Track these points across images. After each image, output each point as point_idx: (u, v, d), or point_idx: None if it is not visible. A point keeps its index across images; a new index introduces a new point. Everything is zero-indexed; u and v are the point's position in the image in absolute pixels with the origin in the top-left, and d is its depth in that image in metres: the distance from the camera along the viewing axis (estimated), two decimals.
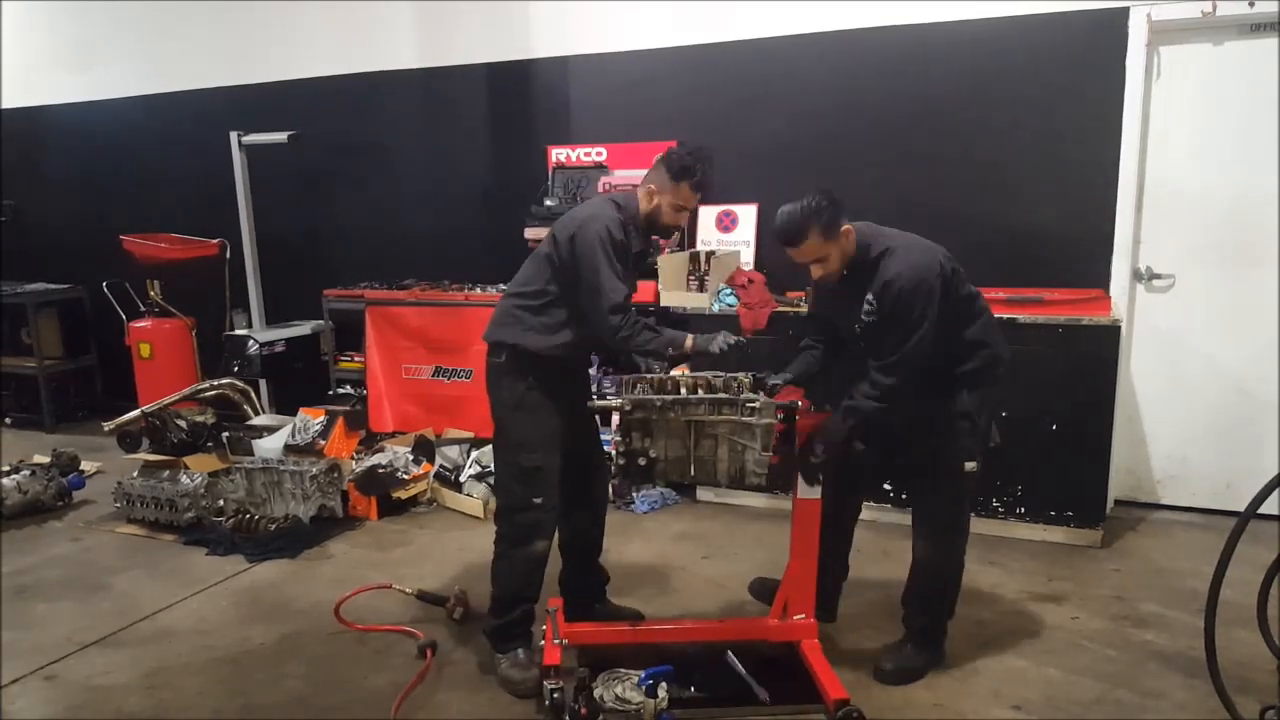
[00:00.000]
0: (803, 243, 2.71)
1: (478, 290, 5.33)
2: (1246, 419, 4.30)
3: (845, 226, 2.75)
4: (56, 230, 6.93)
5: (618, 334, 2.80)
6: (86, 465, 5.28)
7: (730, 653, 2.97)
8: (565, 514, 3.17)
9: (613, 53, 5.16)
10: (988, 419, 2.93)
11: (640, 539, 4.23)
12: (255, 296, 5.98)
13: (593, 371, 5.10)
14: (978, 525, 4.15)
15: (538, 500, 2.96)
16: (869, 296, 2.75)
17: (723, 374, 2.90)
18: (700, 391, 2.83)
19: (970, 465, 2.85)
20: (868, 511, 4.33)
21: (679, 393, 2.81)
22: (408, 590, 3.56)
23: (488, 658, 3.07)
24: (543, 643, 2.97)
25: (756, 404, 2.72)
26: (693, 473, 2.81)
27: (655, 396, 2.76)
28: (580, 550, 3.30)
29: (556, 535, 3.17)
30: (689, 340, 2.86)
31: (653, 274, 4.79)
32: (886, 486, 4.32)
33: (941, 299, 2.73)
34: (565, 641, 2.90)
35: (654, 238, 3.23)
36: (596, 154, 5.17)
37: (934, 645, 3.04)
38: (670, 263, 4.64)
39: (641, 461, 2.77)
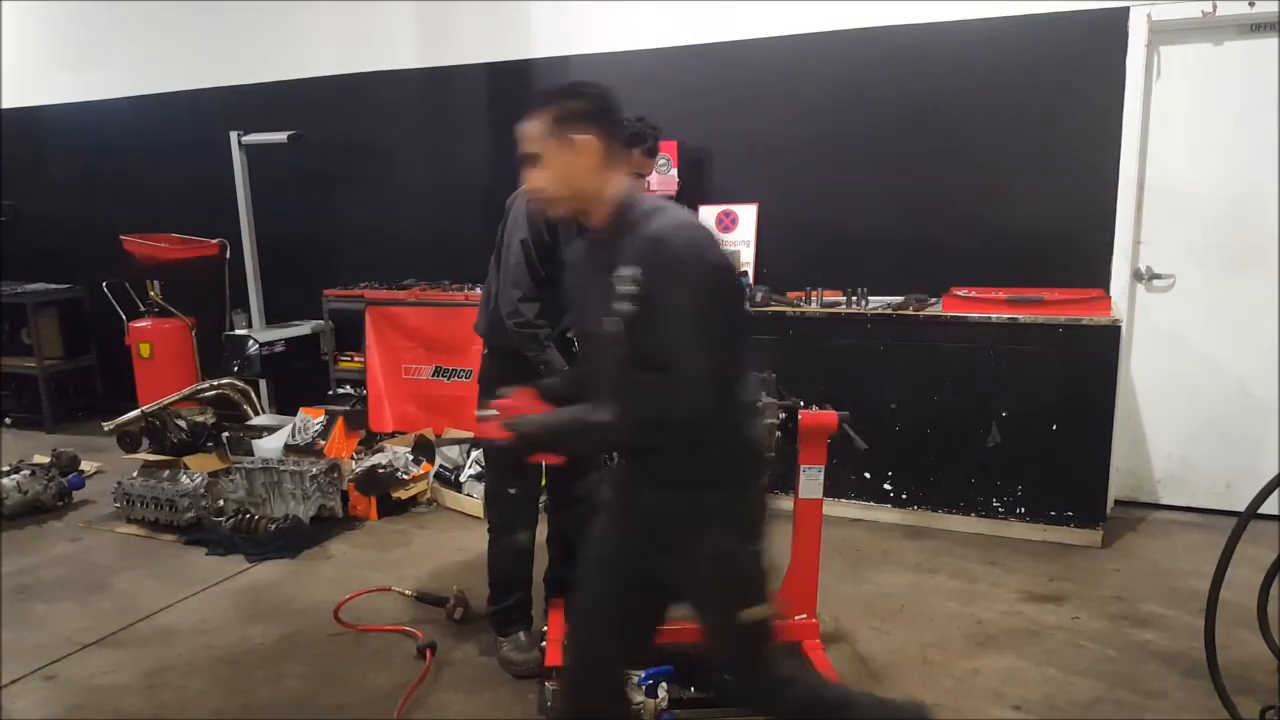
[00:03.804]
0: (531, 119, 1.88)
1: (477, 290, 5.31)
2: (1247, 419, 4.30)
3: (586, 137, 1.83)
4: (56, 230, 6.92)
5: (511, 318, 2.83)
6: (86, 465, 5.28)
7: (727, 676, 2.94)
8: (554, 508, 3.20)
9: (613, 53, 5.16)
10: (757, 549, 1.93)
11: None
12: (255, 296, 5.98)
13: None
14: (979, 525, 4.17)
15: (512, 491, 3.02)
16: (625, 271, 1.74)
17: None
18: None
19: (752, 612, 1.89)
20: (866, 511, 4.37)
21: None
22: (407, 592, 3.56)
23: (488, 654, 3.09)
24: (545, 627, 3.00)
25: (759, 405, 2.71)
26: None
27: None
28: (565, 545, 3.28)
29: (547, 528, 3.23)
30: (558, 369, 2.80)
31: None
32: (887, 487, 4.32)
33: (724, 301, 1.82)
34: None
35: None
36: None
37: None
38: None
39: None
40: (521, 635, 3.08)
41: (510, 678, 3.00)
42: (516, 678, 2.98)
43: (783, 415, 2.73)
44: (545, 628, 3.04)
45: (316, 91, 5.89)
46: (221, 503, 4.42)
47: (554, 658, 2.81)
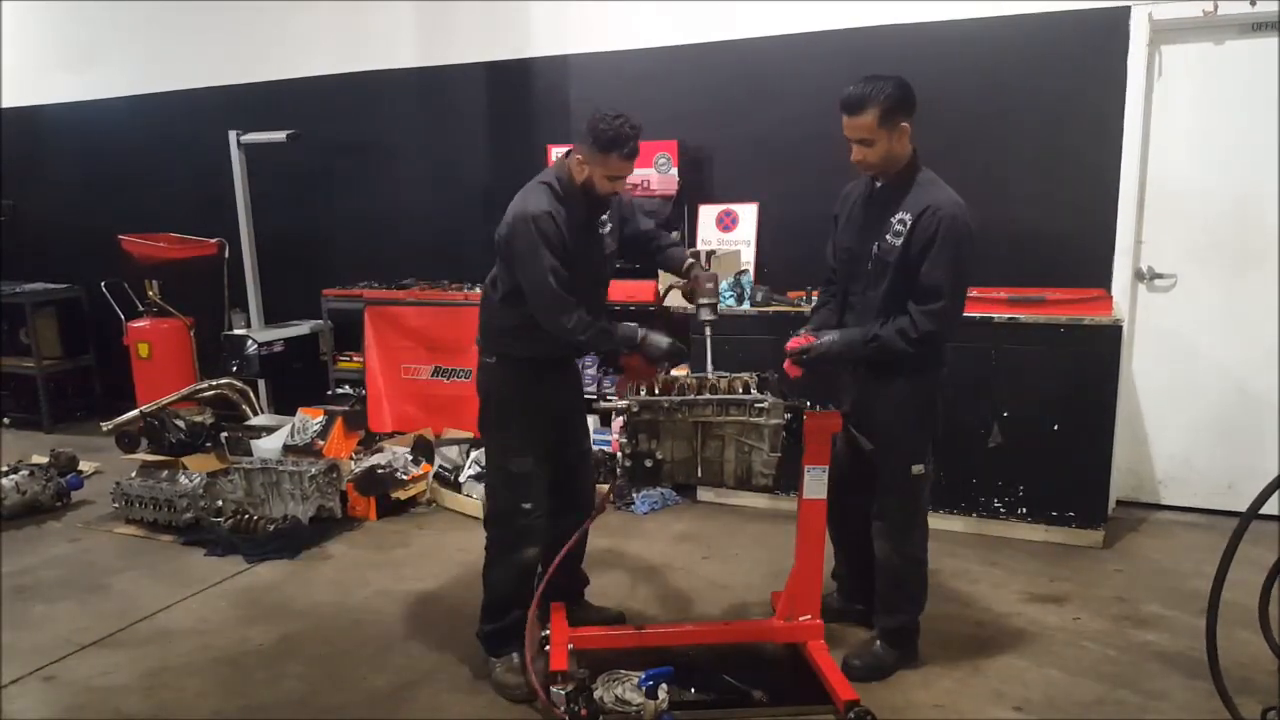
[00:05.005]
0: (859, 114, 2.75)
1: (477, 290, 5.30)
2: (1248, 419, 4.29)
3: (904, 124, 2.82)
4: (55, 230, 6.91)
5: (571, 336, 2.78)
6: (85, 465, 5.27)
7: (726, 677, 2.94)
8: (551, 517, 3.15)
9: (612, 52, 5.15)
10: (936, 423, 2.93)
11: (640, 540, 4.22)
12: (254, 296, 5.96)
13: (592, 371, 5.10)
14: (980, 526, 4.17)
15: (527, 506, 2.92)
16: (902, 215, 2.78)
17: (726, 374, 2.89)
18: (706, 392, 2.80)
19: (917, 469, 2.88)
20: None
21: (684, 393, 2.79)
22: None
23: (481, 661, 3.05)
24: (547, 647, 2.97)
25: (765, 404, 2.70)
26: (699, 474, 2.79)
27: (663, 398, 2.73)
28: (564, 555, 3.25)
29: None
30: (639, 335, 2.86)
31: (653, 273, 4.79)
32: None
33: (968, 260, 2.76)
34: (574, 648, 2.89)
35: (616, 194, 2.94)
36: None
37: (904, 643, 3.04)
38: None
39: (648, 464, 2.73)
40: (515, 657, 2.95)
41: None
42: (512, 702, 2.86)
43: (788, 416, 2.71)
44: (547, 631, 3.02)
45: (315, 91, 5.88)
46: (220, 503, 4.40)
47: (559, 662, 2.80)
